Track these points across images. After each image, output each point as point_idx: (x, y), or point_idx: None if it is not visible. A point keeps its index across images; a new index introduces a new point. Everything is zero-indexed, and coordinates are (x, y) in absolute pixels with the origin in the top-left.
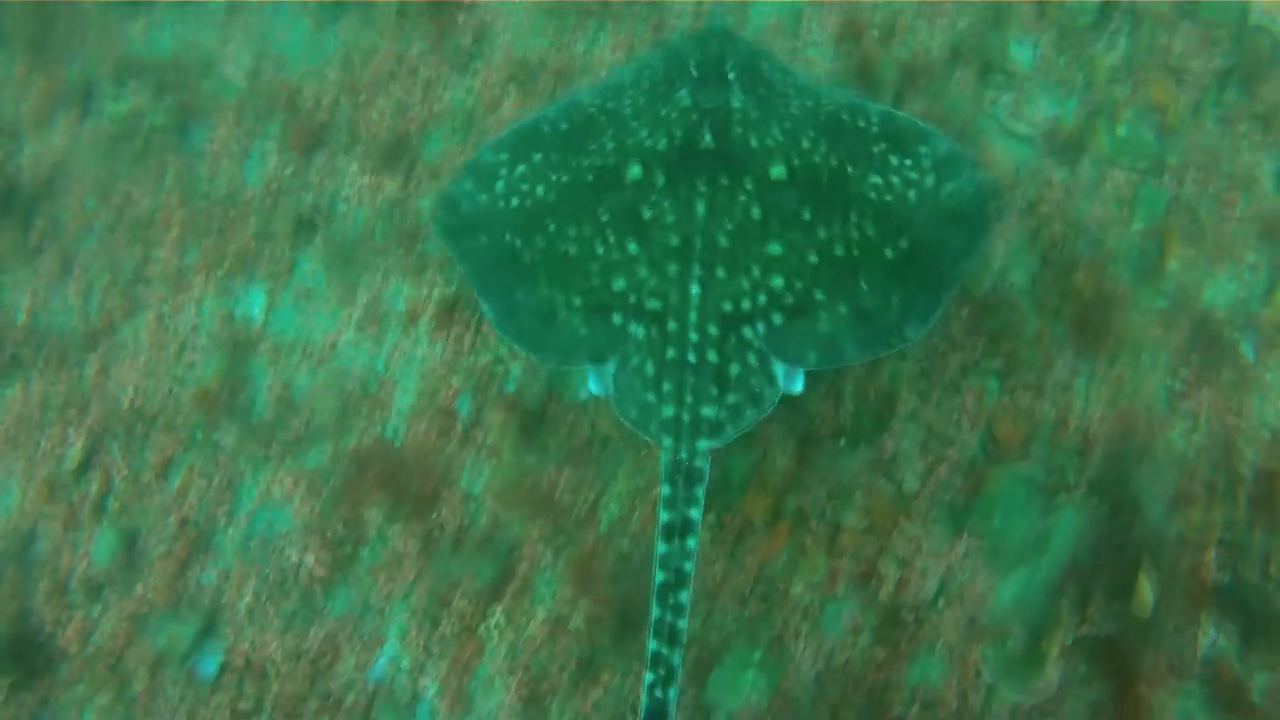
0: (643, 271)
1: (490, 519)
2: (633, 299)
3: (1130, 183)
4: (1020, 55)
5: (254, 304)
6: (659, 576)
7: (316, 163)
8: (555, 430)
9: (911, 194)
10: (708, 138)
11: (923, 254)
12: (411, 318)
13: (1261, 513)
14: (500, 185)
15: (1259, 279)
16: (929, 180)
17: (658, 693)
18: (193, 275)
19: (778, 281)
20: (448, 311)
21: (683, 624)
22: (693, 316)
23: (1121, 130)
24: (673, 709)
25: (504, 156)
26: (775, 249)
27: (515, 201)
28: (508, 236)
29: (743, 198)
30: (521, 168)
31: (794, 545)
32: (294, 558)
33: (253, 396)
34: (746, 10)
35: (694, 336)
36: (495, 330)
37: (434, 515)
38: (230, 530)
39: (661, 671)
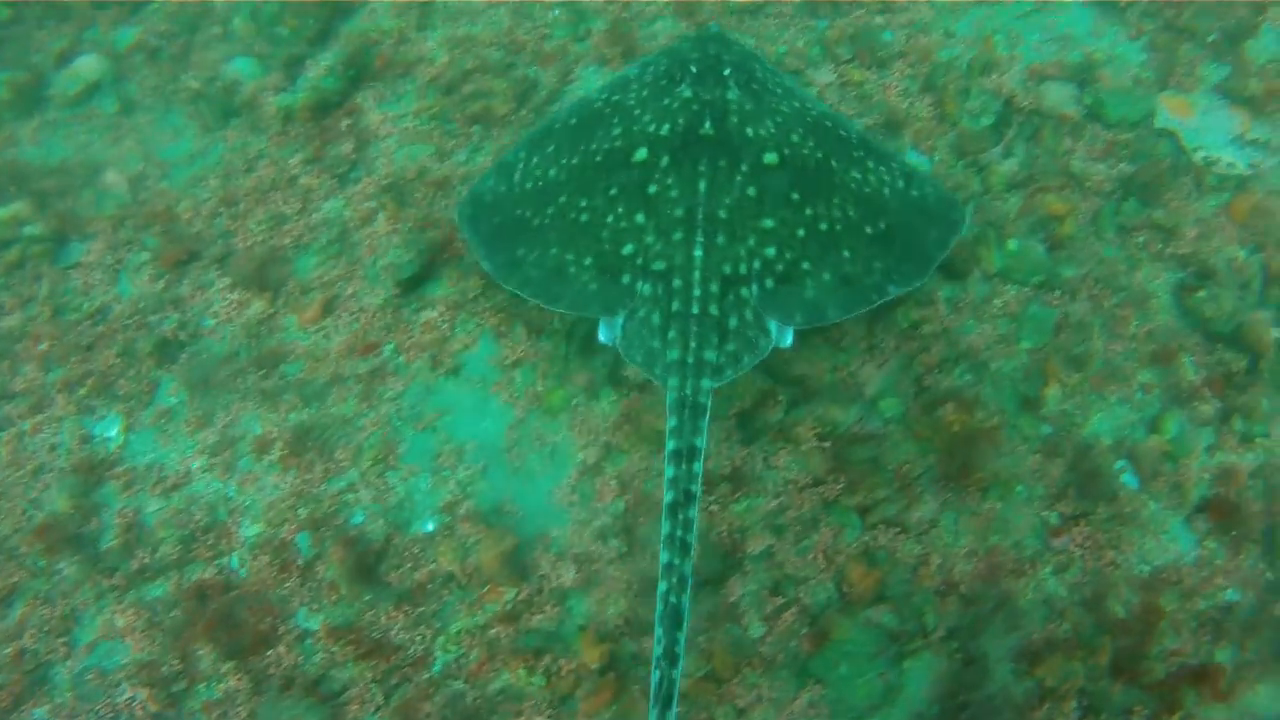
0: (649, 238)
1: (325, 658)
2: (640, 261)
3: (1020, 299)
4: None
5: (112, 426)
6: (669, 496)
7: (189, 277)
8: (397, 566)
9: (886, 190)
10: (708, 125)
11: (901, 235)
12: (264, 445)
13: (1128, 661)
14: (517, 175)
15: (1151, 401)
16: (900, 183)
17: (672, 598)
18: (55, 393)
19: (770, 250)
20: (301, 439)
21: (691, 538)
22: (697, 275)
23: (1013, 244)
24: (686, 613)
25: (522, 154)
26: (768, 223)
27: (529, 185)
28: (518, 211)
29: (739, 178)
30: (536, 158)
31: (626, 696)
32: (127, 693)
33: (102, 524)
34: None
35: (698, 292)
36: (497, 281)
37: (269, 653)
38: (68, 663)
39: (674, 579)
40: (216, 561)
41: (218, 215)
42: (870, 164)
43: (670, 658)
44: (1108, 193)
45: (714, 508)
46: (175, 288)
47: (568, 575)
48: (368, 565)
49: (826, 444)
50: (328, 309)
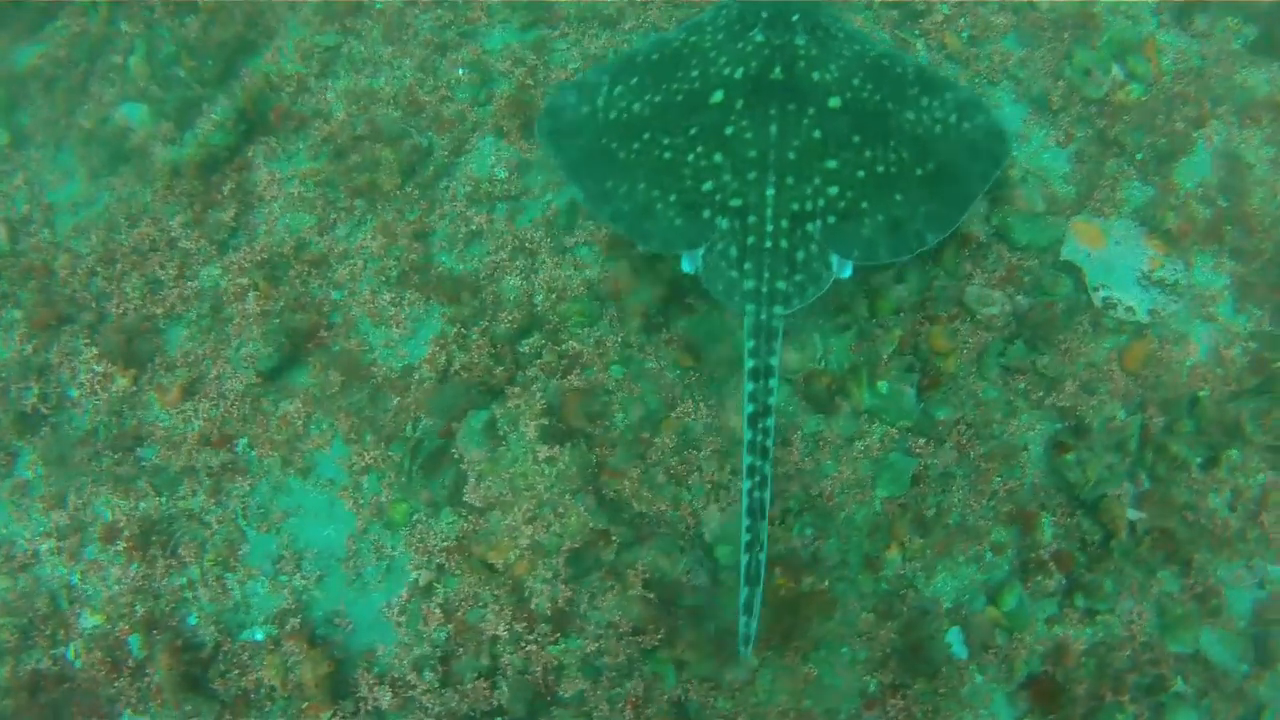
0: (727, 176)
1: None
2: (719, 198)
3: (885, 442)
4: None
5: None
6: (749, 408)
7: (59, 343)
8: (224, 673)
9: (938, 128)
10: (778, 70)
11: (946, 175)
12: (112, 533)
13: None
14: (600, 100)
15: (999, 563)
16: (952, 118)
17: (756, 494)
18: None
19: (834, 190)
20: (148, 530)
21: (770, 443)
22: (769, 212)
23: (883, 386)
24: (768, 505)
25: (605, 78)
26: (832, 164)
27: (613, 114)
28: (603, 140)
29: (806, 121)
30: (620, 88)
31: None
32: None
33: None
34: None
35: (770, 227)
36: (590, 211)
37: None
38: None
39: (757, 478)
40: (53, 651)
41: (94, 274)
42: (925, 100)
43: (756, 544)
44: (999, 327)
45: (532, 646)
46: (44, 353)
47: (384, 699)
48: (195, 674)
49: (651, 594)
50: (190, 391)
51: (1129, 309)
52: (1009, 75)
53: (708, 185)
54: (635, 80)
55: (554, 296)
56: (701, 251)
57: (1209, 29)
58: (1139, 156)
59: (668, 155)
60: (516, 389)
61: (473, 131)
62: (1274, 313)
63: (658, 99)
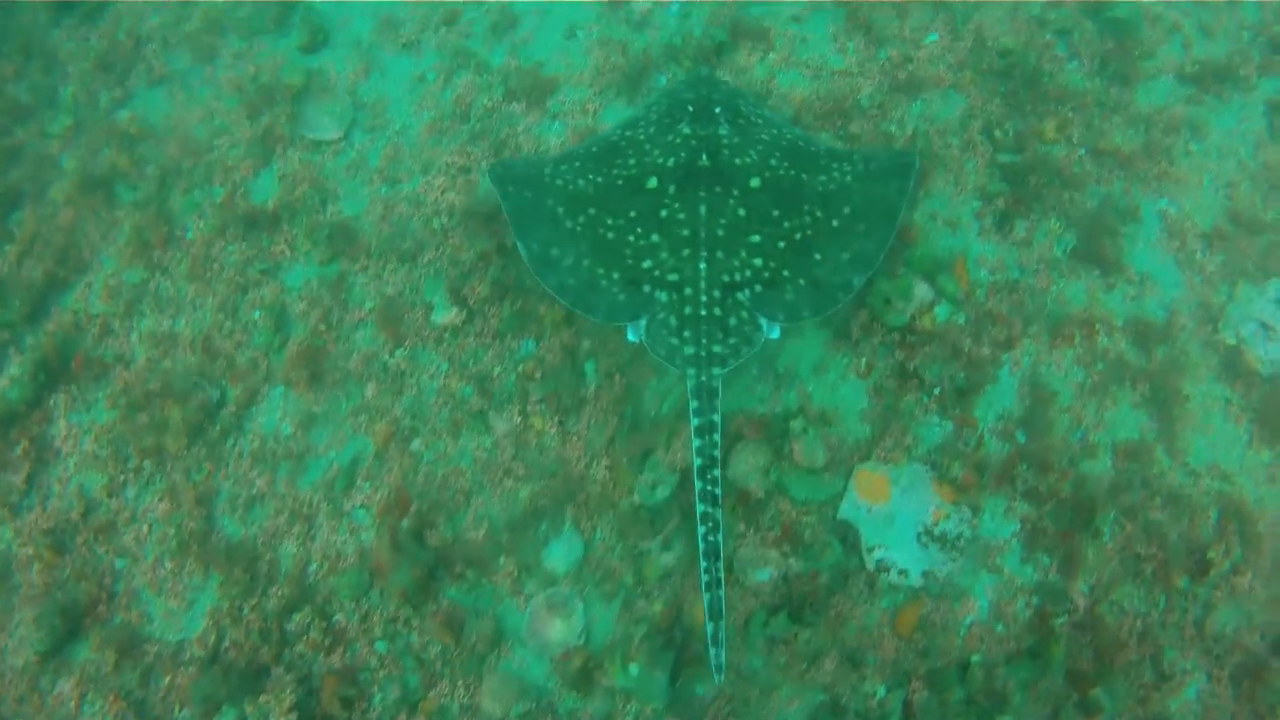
0: (664, 254)
1: None
2: (657, 274)
3: None
4: (570, 550)
5: None
6: (697, 461)
7: None
8: None
9: (849, 178)
10: (704, 158)
11: (862, 212)
12: None
13: None
14: (548, 169)
15: None
16: (860, 167)
17: (710, 538)
18: None
19: (758, 261)
20: None
21: (719, 491)
22: (703, 284)
23: (634, 669)
24: (721, 547)
25: (548, 159)
26: (755, 238)
27: (560, 182)
28: (550, 202)
29: (731, 201)
30: (564, 166)
31: None
32: None
33: None
34: None
35: (704, 298)
36: (532, 271)
37: None
38: None
39: (710, 524)
40: None
41: None
42: (833, 166)
43: (715, 583)
44: (766, 594)
45: None
46: None
47: None
48: None
49: None
50: None
51: (902, 572)
52: None
53: (647, 263)
54: (579, 164)
55: (328, 565)
56: (644, 322)
57: (1029, 235)
58: (935, 391)
59: (610, 235)
60: (273, 678)
61: (264, 381)
62: (1063, 561)
63: (599, 180)
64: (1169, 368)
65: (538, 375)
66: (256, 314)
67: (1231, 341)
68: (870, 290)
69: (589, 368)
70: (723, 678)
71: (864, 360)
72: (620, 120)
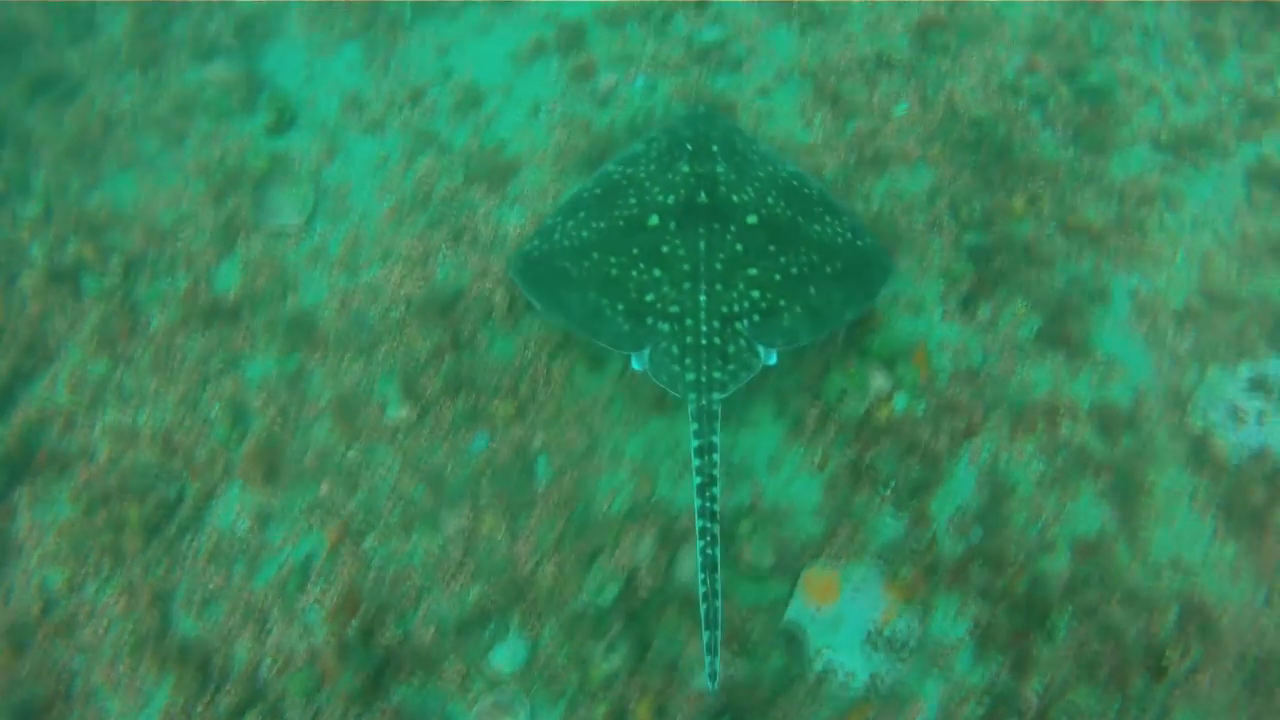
0: (665, 288)
1: None
2: (659, 306)
3: None
4: (516, 651)
5: None
6: (697, 480)
7: None
8: None
9: (839, 240)
10: (703, 196)
11: (850, 273)
12: None
13: None
14: (556, 235)
15: None
16: (848, 235)
17: (709, 551)
18: None
19: (755, 293)
20: None
21: (716, 508)
22: (703, 315)
23: None
24: (719, 560)
25: (559, 219)
26: (753, 271)
27: (566, 243)
28: (559, 264)
29: (729, 237)
30: (570, 222)
31: None
32: None
33: None
34: None
35: (704, 329)
36: (546, 318)
37: None
38: None
39: (708, 538)
40: None
41: None
42: (827, 219)
43: (712, 594)
44: (707, 704)
45: None
46: None
47: None
48: None
49: None
50: None
51: (849, 675)
52: (767, 389)
53: (649, 296)
54: (583, 214)
55: (280, 664)
56: (648, 351)
57: (994, 317)
58: (890, 486)
59: (614, 272)
60: None
61: (222, 477)
62: (1016, 661)
63: (602, 225)
64: (1134, 456)
65: (488, 472)
66: (215, 407)
67: (1199, 428)
68: (825, 382)
69: (540, 463)
70: (716, 685)
71: (819, 454)
72: (621, 155)
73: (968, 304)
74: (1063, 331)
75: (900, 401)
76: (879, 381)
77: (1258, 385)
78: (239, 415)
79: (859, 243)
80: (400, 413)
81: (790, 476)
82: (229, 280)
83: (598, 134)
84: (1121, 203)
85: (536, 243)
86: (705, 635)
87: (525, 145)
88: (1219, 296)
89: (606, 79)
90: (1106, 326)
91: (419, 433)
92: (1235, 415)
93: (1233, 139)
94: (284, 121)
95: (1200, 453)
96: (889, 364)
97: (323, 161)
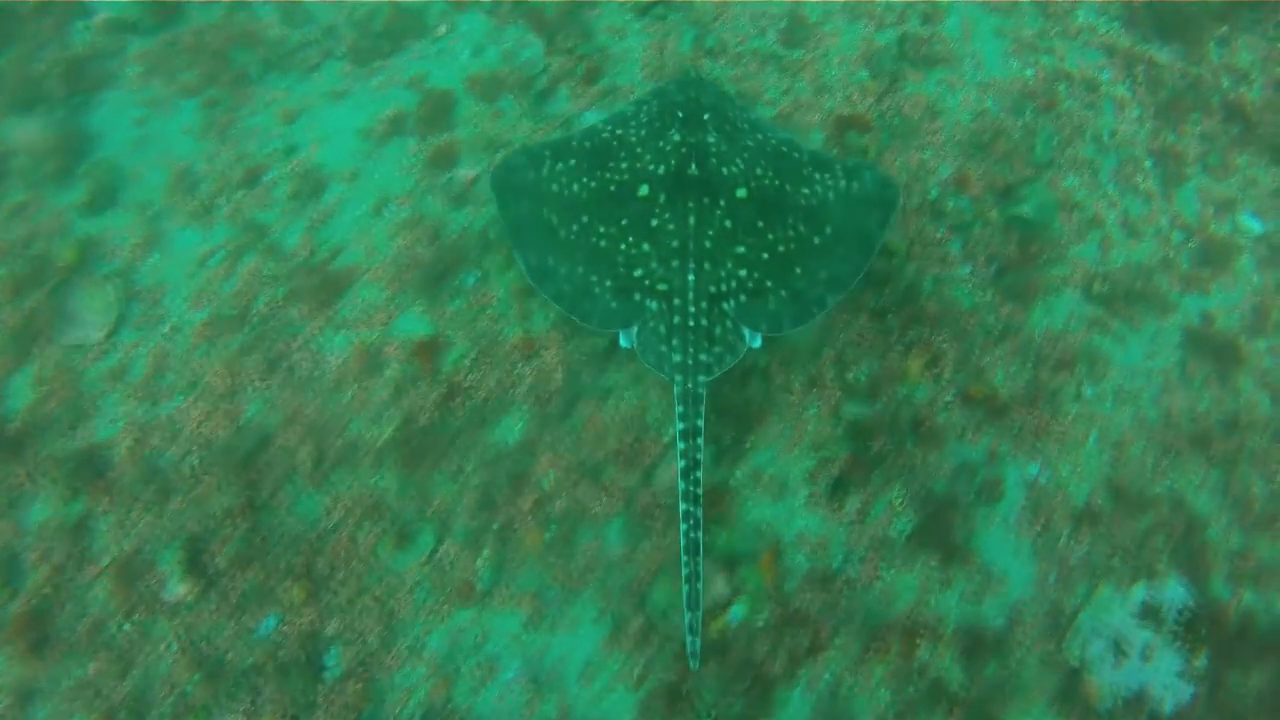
0: (654, 264)
1: None
2: (647, 283)
3: None
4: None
5: None
6: (681, 464)
7: None
8: None
9: (831, 195)
10: (693, 167)
11: (842, 235)
12: None
13: None
14: (545, 169)
15: None
16: (842, 184)
17: (692, 535)
18: None
19: (743, 272)
20: None
21: (700, 492)
22: (690, 296)
23: None
24: (701, 543)
25: (547, 152)
26: (740, 249)
27: (555, 187)
28: (545, 212)
29: (718, 212)
30: (560, 165)
31: None
32: None
33: None
34: None
35: (692, 309)
36: (533, 284)
37: None
38: None
39: (691, 521)
40: None
41: None
42: (817, 176)
43: (695, 576)
44: None
45: None
46: None
47: None
48: None
49: None
50: None
51: None
52: (593, 585)
53: (638, 272)
54: (573, 162)
55: None
56: (635, 329)
57: (864, 509)
58: (711, 718)
59: (603, 244)
60: None
61: None
62: None
63: (593, 184)
64: (994, 691)
65: (270, 666)
66: None
67: (1076, 660)
68: (653, 586)
69: (331, 656)
70: (698, 664)
71: (639, 667)
72: (610, 114)
73: (837, 490)
74: (940, 532)
75: (738, 611)
76: (717, 587)
77: (1149, 613)
78: (11, 569)
79: (854, 186)
80: (183, 586)
81: (602, 691)
82: (18, 399)
83: (445, 244)
84: (1036, 367)
85: (523, 160)
86: (686, 616)
87: (362, 252)
88: (1127, 494)
89: (467, 171)
90: (992, 526)
91: (203, 609)
92: (1117, 648)
93: (1176, 288)
94: (101, 201)
95: (1070, 691)
96: (730, 566)
97: (138, 255)
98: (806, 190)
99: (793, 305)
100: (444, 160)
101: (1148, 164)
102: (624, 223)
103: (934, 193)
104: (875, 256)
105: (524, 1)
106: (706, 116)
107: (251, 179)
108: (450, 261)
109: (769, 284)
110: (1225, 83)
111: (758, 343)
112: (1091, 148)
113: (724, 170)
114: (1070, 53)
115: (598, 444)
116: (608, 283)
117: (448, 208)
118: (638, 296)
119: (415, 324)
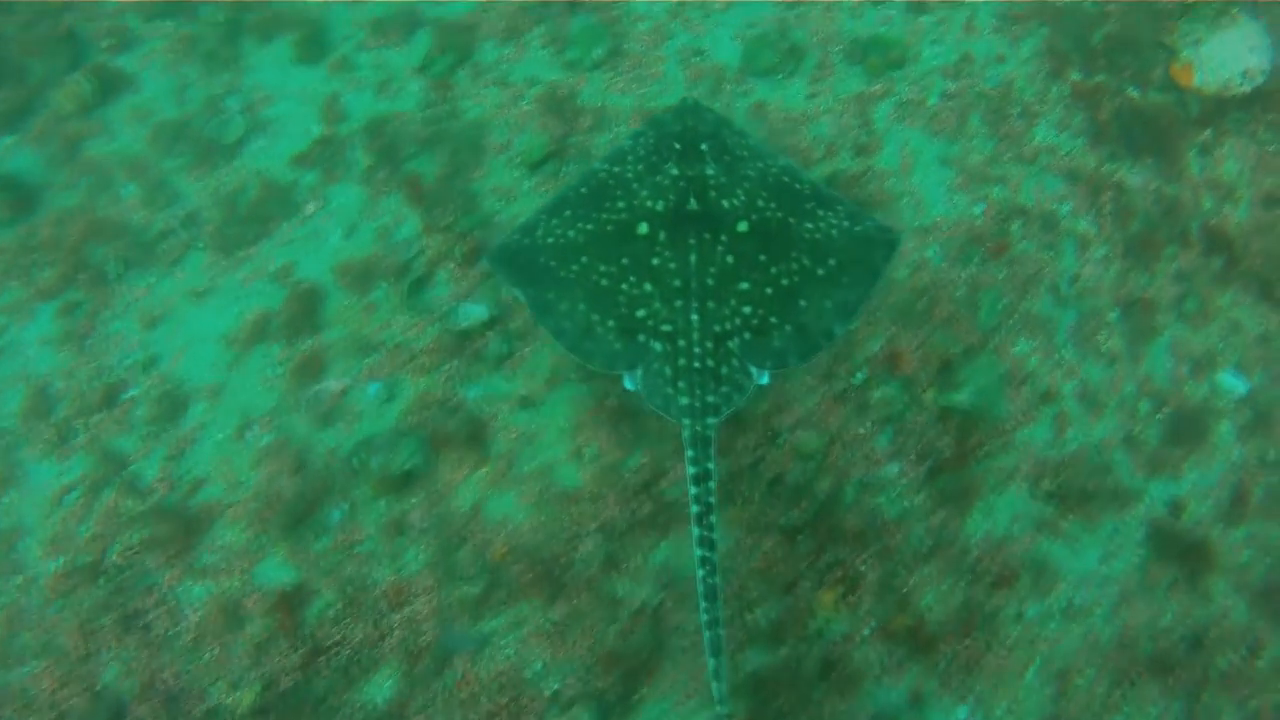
0: (657, 304)
1: None
2: (651, 324)
3: None
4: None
5: None
6: (694, 508)
7: None
8: None
9: (834, 232)
10: (693, 202)
11: (846, 267)
12: None
13: None
14: (539, 232)
15: None
16: (845, 223)
17: (709, 580)
18: None
19: (747, 309)
20: None
21: (716, 536)
22: (695, 336)
23: None
24: (720, 589)
25: (542, 217)
26: (744, 285)
27: (550, 240)
28: (542, 260)
29: (720, 248)
30: (555, 221)
31: None
32: None
33: None
34: None
35: (697, 350)
36: (535, 319)
37: None
38: None
39: (709, 567)
40: None
41: None
42: (820, 212)
43: (714, 621)
44: None
45: None
46: None
47: None
48: None
49: None
50: None
51: None
52: None
53: (641, 312)
54: (568, 213)
55: None
56: (640, 372)
57: None
58: None
59: (604, 283)
60: None
61: None
62: None
63: (590, 227)
64: None
65: None
66: None
67: None
68: None
69: None
70: (727, 708)
71: None
72: (609, 153)
73: None
74: None
75: None
76: None
77: None
78: None
79: (857, 228)
80: None
81: None
82: None
83: (311, 473)
84: (971, 585)
85: (517, 238)
86: (711, 663)
87: (223, 485)
88: None
89: (335, 383)
90: None
91: None
92: None
93: (1141, 471)
94: None
95: None
96: None
97: None
98: (810, 225)
99: (799, 340)
100: (310, 370)
101: (1112, 317)
102: (624, 262)
103: (859, 376)
104: (867, 299)
105: (402, 166)
106: (704, 147)
107: (110, 397)
108: (316, 494)
109: (774, 320)
110: (1207, 204)
111: (765, 380)
112: (1048, 301)
113: (724, 203)
114: (1026, 181)
115: (471, 705)
116: (610, 323)
117: (313, 428)
118: (641, 337)
119: (277, 571)
